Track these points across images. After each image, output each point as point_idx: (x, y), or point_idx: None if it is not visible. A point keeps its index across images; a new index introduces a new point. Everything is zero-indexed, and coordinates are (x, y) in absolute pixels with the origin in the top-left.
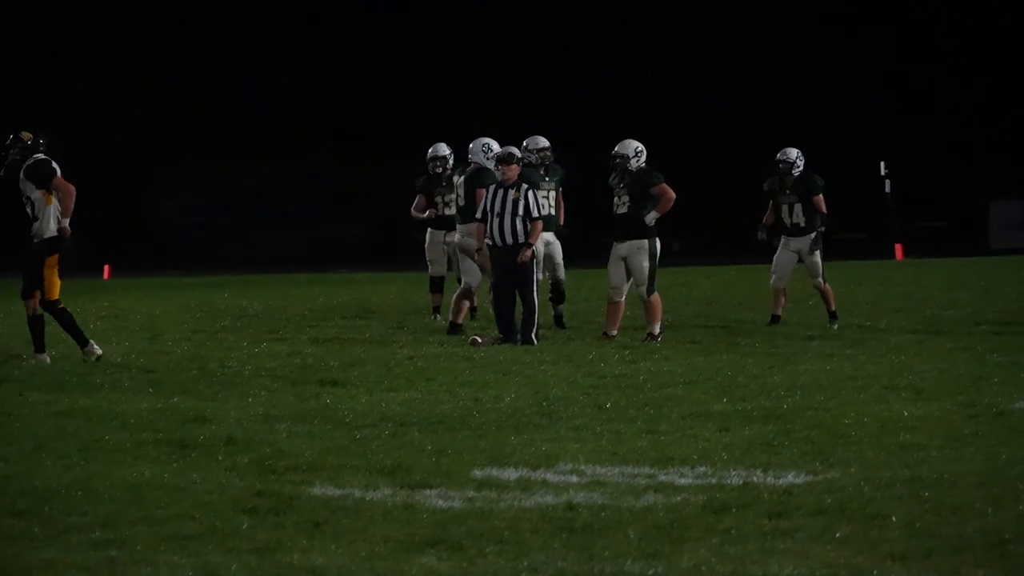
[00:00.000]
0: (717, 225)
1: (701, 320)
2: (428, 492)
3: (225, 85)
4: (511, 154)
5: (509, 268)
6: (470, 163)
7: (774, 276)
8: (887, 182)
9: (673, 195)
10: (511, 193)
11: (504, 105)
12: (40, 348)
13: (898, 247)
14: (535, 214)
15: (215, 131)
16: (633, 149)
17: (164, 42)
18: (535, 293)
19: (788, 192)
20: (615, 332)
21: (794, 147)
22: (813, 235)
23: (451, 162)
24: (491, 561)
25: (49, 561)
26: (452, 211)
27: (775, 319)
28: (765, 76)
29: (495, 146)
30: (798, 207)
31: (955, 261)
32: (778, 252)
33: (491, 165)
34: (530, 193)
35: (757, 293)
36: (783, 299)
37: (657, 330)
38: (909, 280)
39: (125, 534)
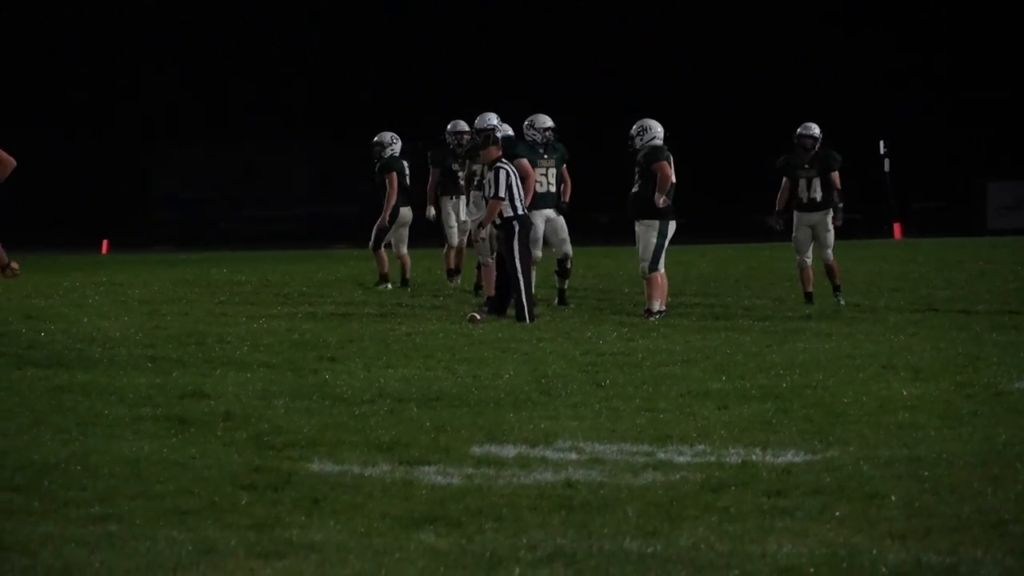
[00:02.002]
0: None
1: (699, 298)
2: (426, 469)
3: (223, 64)
4: (487, 136)
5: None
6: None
7: (798, 255)
8: (886, 161)
9: (668, 174)
10: (488, 173)
11: (502, 104)
12: None
13: (896, 226)
14: (491, 193)
15: (212, 109)
16: (637, 128)
17: (165, 21)
18: (518, 271)
19: (807, 167)
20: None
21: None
22: (830, 210)
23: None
24: (489, 538)
25: (48, 535)
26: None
27: (808, 296)
28: (765, 76)
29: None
30: (816, 182)
31: (952, 241)
32: (795, 231)
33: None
34: (501, 173)
35: (754, 272)
36: (812, 275)
37: (655, 307)
38: (906, 259)
39: (123, 509)
